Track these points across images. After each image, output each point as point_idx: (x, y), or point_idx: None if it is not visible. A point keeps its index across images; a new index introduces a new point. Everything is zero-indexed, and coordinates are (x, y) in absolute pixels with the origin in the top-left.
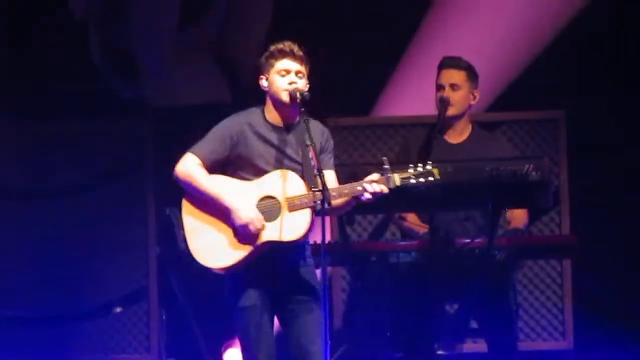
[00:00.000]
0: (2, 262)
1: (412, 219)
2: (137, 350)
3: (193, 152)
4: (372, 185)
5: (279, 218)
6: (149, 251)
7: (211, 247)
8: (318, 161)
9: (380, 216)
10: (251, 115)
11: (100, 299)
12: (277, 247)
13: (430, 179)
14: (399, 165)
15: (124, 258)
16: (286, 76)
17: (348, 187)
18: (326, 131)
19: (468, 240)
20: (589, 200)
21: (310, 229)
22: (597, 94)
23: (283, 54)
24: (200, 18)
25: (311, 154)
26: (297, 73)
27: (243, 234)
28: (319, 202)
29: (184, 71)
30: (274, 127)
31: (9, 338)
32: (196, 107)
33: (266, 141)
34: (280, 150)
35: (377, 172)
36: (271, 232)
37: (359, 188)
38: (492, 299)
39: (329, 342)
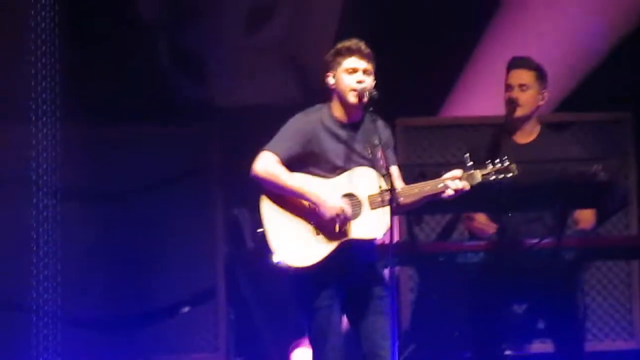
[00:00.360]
0: (71, 264)
1: (480, 219)
2: (205, 349)
3: (270, 150)
4: (455, 182)
5: (361, 215)
6: (216, 251)
7: (295, 244)
8: (386, 161)
9: (449, 216)
10: (320, 112)
11: (168, 299)
12: (355, 245)
13: (510, 175)
14: (473, 164)
15: (192, 258)
16: (353, 74)
17: (431, 184)
18: (388, 128)
19: (536, 241)
20: None
21: (389, 228)
22: None
23: (350, 52)
24: (265, 22)
25: (380, 154)
26: (364, 71)
27: (329, 229)
28: (396, 201)
29: (251, 71)
30: (342, 124)
31: (78, 339)
32: (263, 106)
33: (337, 138)
34: (349, 147)
35: (459, 169)
36: (356, 229)
37: (440, 185)
38: (560, 300)
39: (397, 342)
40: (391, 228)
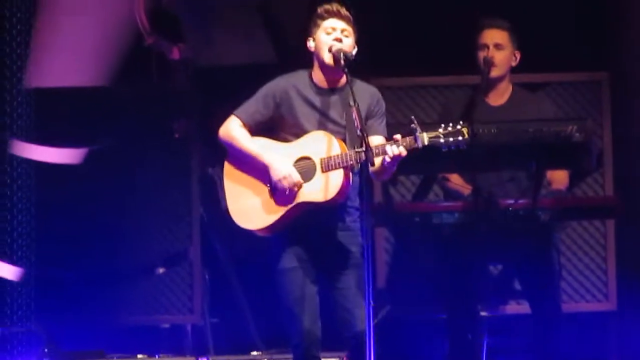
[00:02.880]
0: (46, 223)
1: (455, 180)
2: (180, 311)
3: (236, 114)
4: (392, 147)
5: (313, 178)
6: (192, 212)
7: (249, 208)
8: (361, 121)
9: (424, 176)
10: (297, 77)
11: (143, 261)
12: (314, 209)
13: (460, 138)
14: (432, 125)
15: (168, 219)
16: (332, 33)
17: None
18: (376, 95)
19: (512, 202)
20: (632, 161)
21: (343, 190)
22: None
23: (329, 13)
24: None
25: (354, 115)
26: (342, 31)
27: (280, 192)
28: (353, 162)
29: (228, 31)
30: (320, 90)
31: (53, 299)
32: (240, 66)
33: (310, 103)
34: (323, 113)
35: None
36: (305, 192)
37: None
38: (535, 260)
39: (372, 304)
40: (362, 189)
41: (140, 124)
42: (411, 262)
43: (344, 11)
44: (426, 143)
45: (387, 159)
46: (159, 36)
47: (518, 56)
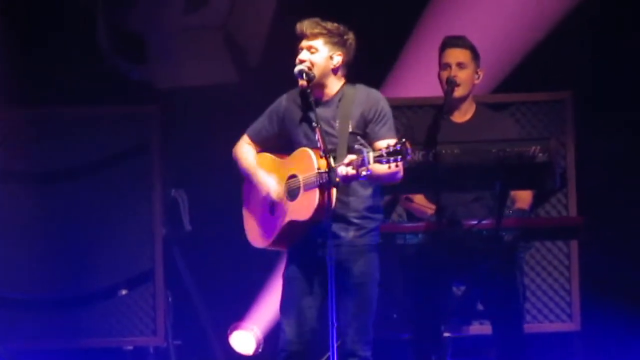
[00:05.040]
0: (6, 244)
1: (419, 200)
2: (143, 332)
3: (246, 132)
4: (346, 168)
5: (298, 197)
6: (155, 233)
7: (255, 227)
8: (324, 142)
9: (387, 197)
10: (298, 91)
11: (106, 282)
12: (307, 225)
13: (400, 157)
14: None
15: (130, 240)
16: (300, 54)
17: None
18: (373, 100)
19: (475, 222)
20: (596, 181)
21: (319, 210)
22: (605, 76)
23: (298, 32)
24: (203, 2)
25: (317, 136)
26: (309, 49)
27: (275, 211)
28: (325, 181)
29: (190, 52)
30: (318, 103)
31: (14, 321)
32: (201, 87)
33: (305, 117)
34: (312, 126)
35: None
36: (292, 211)
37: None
38: (498, 281)
39: (336, 324)
40: (329, 209)
41: (99, 144)
42: None
43: (309, 28)
44: (371, 162)
45: (337, 179)
46: (119, 56)
47: (481, 74)
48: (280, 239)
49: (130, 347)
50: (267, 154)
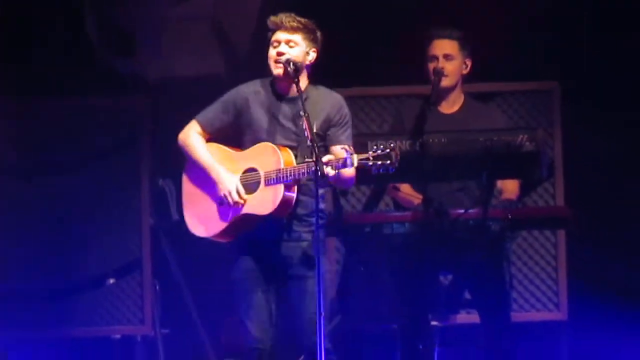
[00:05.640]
0: None
1: (406, 190)
2: (131, 321)
3: (196, 119)
4: (327, 167)
5: (257, 191)
6: (142, 222)
7: (199, 216)
8: (311, 132)
9: (374, 187)
10: (261, 84)
11: (93, 271)
12: (260, 220)
13: (388, 162)
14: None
15: (118, 230)
16: (277, 47)
17: (303, 167)
18: (338, 104)
19: (462, 211)
20: (583, 171)
21: (282, 205)
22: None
23: (275, 25)
24: None
25: (305, 125)
26: (287, 42)
27: (226, 204)
28: (292, 179)
29: (178, 43)
30: (281, 98)
31: (2, 311)
32: (190, 78)
33: (268, 111)
34: (277, 121)
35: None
36: (249, 205)
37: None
38: (485, 270)
39: (323, 313)
40: (317, 200)
41: (88, 136)
42: (362, 272)
43: (288, 22)
44: (355, 164)
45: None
46: (108, 49)
47: (469, 64)
48: (228, 230)
49: (118, 336)
50: (215, 144)
